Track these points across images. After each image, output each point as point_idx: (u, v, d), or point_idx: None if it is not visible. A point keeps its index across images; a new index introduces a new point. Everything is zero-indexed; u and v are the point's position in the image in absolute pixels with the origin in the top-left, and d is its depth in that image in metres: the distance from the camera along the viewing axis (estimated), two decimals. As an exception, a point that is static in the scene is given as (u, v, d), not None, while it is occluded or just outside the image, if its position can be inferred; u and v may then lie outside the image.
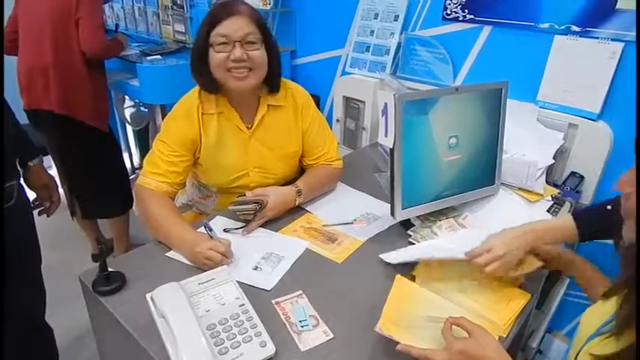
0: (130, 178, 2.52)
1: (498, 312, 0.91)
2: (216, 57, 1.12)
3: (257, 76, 1.16)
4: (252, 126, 1.24)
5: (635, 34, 1.27)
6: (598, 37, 1.33)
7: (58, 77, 1.82)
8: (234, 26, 1.10)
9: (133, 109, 3.07)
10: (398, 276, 0.95)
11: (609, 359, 0.58)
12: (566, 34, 1.39)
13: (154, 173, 1.15)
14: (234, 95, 1.20)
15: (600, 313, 0.71)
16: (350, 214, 1.24)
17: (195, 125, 1.19)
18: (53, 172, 2.82)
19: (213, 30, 1.11)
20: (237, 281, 0.91)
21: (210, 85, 1.17)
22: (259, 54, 1.13)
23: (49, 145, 2.03)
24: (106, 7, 2.96)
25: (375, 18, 1.84)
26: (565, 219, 0.99)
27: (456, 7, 1.60)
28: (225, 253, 0.99)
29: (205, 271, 0.92)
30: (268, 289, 0.95)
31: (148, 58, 2.19)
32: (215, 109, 1.20)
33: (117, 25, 2.49)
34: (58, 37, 1.77)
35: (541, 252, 0.98)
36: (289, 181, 1.30)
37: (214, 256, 0.97)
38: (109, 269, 0.94)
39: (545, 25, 1.42)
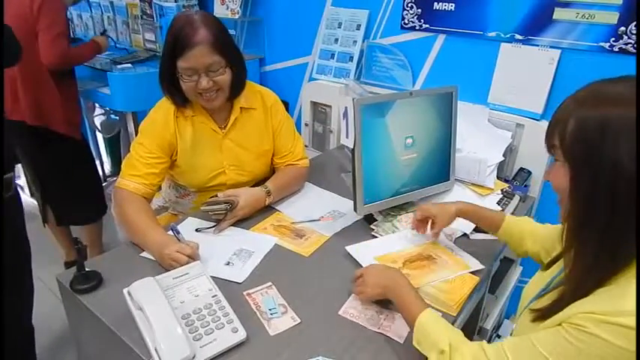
0: (103, 185, 2.52)
1: (449, 293, 1.00)
2: (186, 86, 1.17)
3: (225, 95, 1.22)
4: (225, 127, 1.31)
5: (570, 41, 1.41)
6: (538, 45, 1.47)
7: (27, 88, 1.82)
8: (197, 60, 1.12)
9: (103, 117, 3.07)
10: None
11: (542, 310, 0.69)
12: (511, 42, 1.52)
13: (132, 175, 1.20)
14: None
15: (539, 281, 0.83)
16: (317, 212, 1.31)
17: (172, 129, 1.25)
18: (22, 181, 2.81)
19: (177, 61, 1.13)
20: (211, 276, 0.97)
21: (182, 102, 1.24)
22: (224, 78, 1.18)
23: (20, 154, 2.03)
24: (74, 15, 2.96)
25: (339, 27, 1.93)
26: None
27: (413, 18, 1.71)
28: (191, 255, 1.02)
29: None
30: (240, 281, 1.01)
31: (119, 66, 2.22)
32: (190, 113, 1.27)
33: (104, 30, 2.45)
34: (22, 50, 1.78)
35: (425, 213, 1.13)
36: (264, 178, 1.37)
37: (180, 258, 1.00)
38: (86, 269, 0.99)
39: (493, 34, 1.55)
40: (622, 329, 0.57)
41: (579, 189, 0.64)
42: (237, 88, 1.26)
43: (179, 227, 1.16)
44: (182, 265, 0.99)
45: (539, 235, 1.01)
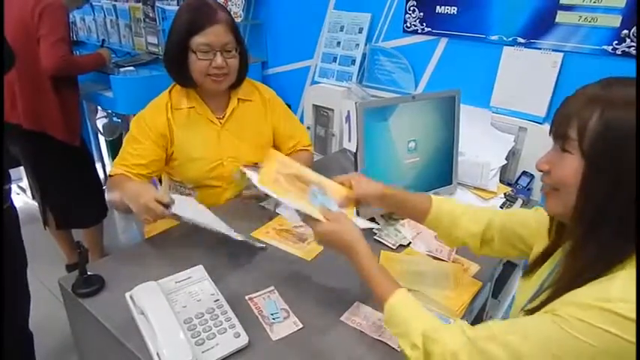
0: (103, 188, 2.52)
1: (452, 299, 1.00)
2: (198, 64, 1.20)
3: (231, 79, 1.27)
4: (223, 117, 1.32)
5: (572, 44, 1.40)
6: (541, 48, 1.46)
7: (24, 94, 1.82)
8: (216, 36, 1.18)
9: (105, 120, 3.08)
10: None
11: (535, 309, 0.69)
12: (514, 46, 1.51)
13: (120, 165, 1.23)
14: (205, 90, 1.29)
15: (527, 287, 0.82)
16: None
17: (164, 119, 1.26)
18: (24, 183, 2.81)
19: (194, 36, 1.18)
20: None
21: (186, 81, 1.26)
22: (235, 61, 1.24)
23: (21, 157, 2.03)
24: (77, 19, 2.97)
25: (341, 30, 1.94)
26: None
27: (415, 21, 1.71)
28: (168, 204, 0.99)
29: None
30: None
31: (122, 69, 2.23)
32: (186, 105, 1.28)
33: (103, 41, 2.51)
34: (20, 55, 1.77)
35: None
36: None
37: (156, 207, 0.98)
38: (88, 272, 0.98)
39: (495, 37, 1.55)
40: (612, 315, 0.57)
41: (597, 187, 0.63)
42: (241, 74, 1.30)
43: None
44: (157, 215, 0.98)
45: (484, 217, 0.94)
